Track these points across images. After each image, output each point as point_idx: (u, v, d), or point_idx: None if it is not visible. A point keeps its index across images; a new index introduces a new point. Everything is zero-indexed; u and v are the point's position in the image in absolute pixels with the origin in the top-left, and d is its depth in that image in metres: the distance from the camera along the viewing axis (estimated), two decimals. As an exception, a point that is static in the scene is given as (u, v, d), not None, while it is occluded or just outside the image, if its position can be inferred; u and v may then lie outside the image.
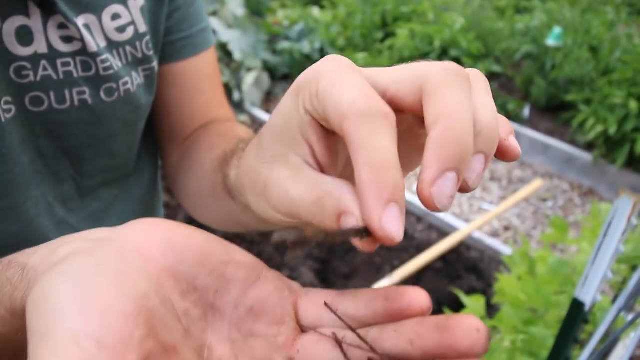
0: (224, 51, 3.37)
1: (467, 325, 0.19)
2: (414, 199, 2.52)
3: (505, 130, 0.25)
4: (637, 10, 4.40)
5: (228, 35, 3.35)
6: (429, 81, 0.22)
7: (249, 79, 3.35)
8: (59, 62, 0.41)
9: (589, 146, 2.86)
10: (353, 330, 0.22)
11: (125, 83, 0.45)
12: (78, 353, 0.17)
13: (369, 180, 0.20)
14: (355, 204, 0.20)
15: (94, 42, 0.42)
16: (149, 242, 0.23)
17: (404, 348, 0.20)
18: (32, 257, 0.24)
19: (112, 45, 0.44)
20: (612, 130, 2.54)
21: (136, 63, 0.46)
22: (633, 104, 2.51)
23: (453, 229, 2.25)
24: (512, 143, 0.24)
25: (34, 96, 0.41)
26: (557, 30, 3.28)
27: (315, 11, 4.30)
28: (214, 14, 3.48)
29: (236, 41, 3.37)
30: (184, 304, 0.22)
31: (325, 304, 0.23)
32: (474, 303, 0.96)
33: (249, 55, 3.38)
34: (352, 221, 0.20)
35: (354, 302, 0.23)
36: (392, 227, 0.20)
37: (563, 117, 3.06)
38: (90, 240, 0.23)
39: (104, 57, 0.43)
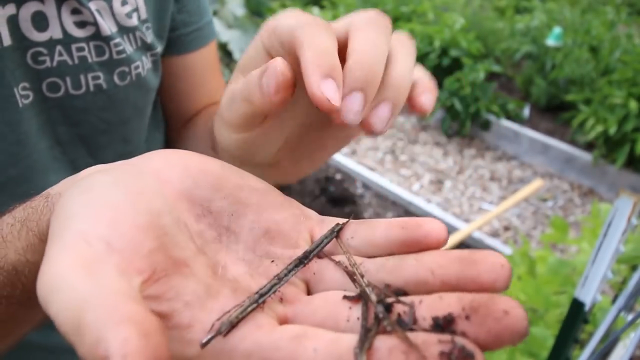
0: (224, 51, 3.38)
1: (492, 260, 0.18)
2: (415, 200, 2.52)
3: (423, 87, 0.29)
4: (637, 10, 4.40)
5: (228, 35, 3.35)
6: (353, 24, 0.27)
7: (249, 79, 3.35)
8: (73, 47, 0.41)
9: (589, 146, 2.86)
10: (350, 256, 0.22)
11: (137, 67, 0.46)
12: (87, 250, 0.17)
13: (311, 61, 0.24)
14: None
15: (107, 27, 0.43)
16: (166, 168, 0.23)
17: (424, 277, 0.19)
18: (55, 188, 0.25)
19: (122, 30, 0.45)
20: (612, 130, 2.54)
21: (145, 48, 0.47)
22: (633, 104, 2.51)
23: (453, 229, 2.25)
24: (424, 100, 0.29)
25: (51, 82, 0.41)
26: (557, 30, 3.28)
27: (315, 11, 4.30)
28: (214, 14, 3.48)
29: (236, 41, 3.37)
30: (199, 226, 0.23)
31: (336, 235, 0.24)
32: (474, 303, 0.96)
33: (249, 55, 3.38)
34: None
35: (370, 230, 0.23)
36: (330, 93, 0.24)
37: (563, 117, 3.06)
38: (108, 165, 0.24)
39: (116, 40, 0.44)
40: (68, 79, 0.42)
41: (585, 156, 2.76)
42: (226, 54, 3.39)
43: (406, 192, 2.61)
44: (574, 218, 2.52)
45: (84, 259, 0.17)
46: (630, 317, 0.57)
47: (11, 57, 0.38)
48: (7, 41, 0.38)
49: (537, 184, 2.65)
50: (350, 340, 0.17)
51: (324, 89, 0.24)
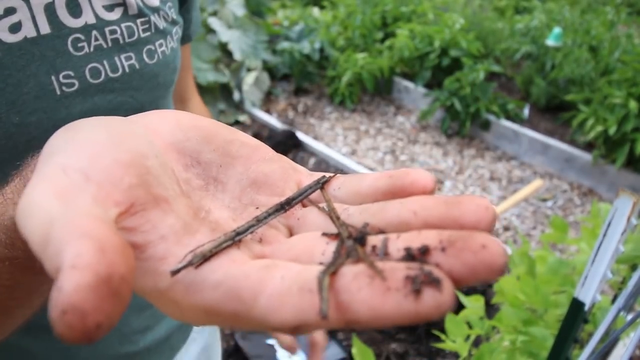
0: (224, 51, 3.37)
1: (477, 202, 0.18)
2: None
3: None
4: (636, 10, 4.40)
5: (228, 35, 3.35)
6: None
7: (249, 79, 3.35)
8: (107, 30, 0.42)
9: (588, 146, 2.86)
10: (330, 201, 0.22)
11: (161, 45, 0.47)
12: (64, 180, 0.18)
13: None
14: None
15: (135, 4, 0.43)
16: (158, 121, 0.24)
17: (406, 217, 0.19)
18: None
19: (148, 9, 0.45)
20: (612, 130, 2.54)
21: (168, 27, 0.48)
22: (633, 104, 2.51)
23: (453, 229, 2.25)
24: None
25: (92, 67, 0.42)
26: (556, 30, 3.28)
27: (315, 11, 4.30)
28: (214, 14, 3.48)
29: (236, 41, 3.37)
30: (186, 174, 0.23)
31: (321, 186, 0.24)
32: (474, 303, 0.96)
33: (249, 55, 3.38)
34: None
35: (357, 182, 0.23)
36: None
37: (563, 117, 3.06)
38: (109, 117, 0.24)
39: (144, 19, 0.44)
40: (106, 63, 0.42)
41: (585, 156, 2.76)
42: (226, 54, 3.39)
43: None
44: (573, 218, 2.52)
45: (59, 187, 0.17)
46: (629, 316, 0.57)
47: (50, 45, 0.39)
48: (44, 29, 0.38)
49: (536, 184, 2.65)
50: (319, 269, 0.17)
51: None
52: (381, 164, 2.96)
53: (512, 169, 2.93)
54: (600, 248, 0.52)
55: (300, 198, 0.23)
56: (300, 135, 3.05)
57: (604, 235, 0.52)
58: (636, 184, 2.57)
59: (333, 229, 0.21)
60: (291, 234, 0.23)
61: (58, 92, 0.40)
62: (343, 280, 0.16)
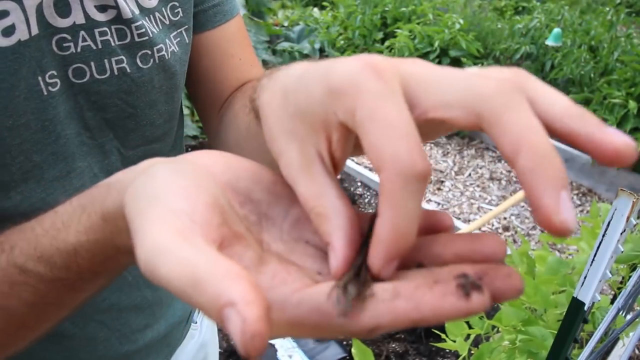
0: (224, 51, 3.38)
1: (493, 237, 0.23)
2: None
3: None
4: (636, 10, 4.41)
5: (228, 36, 3.35)
6: (489, 110, 0.21)
7: (248, 79, 3.35)
8: (96, 31, 0.41)
9: (588, 146, 2.86)
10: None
11: (160, 50, 0.46)
12: (176, 222, 0.20)
13: (386, 240, 0.21)
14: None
15: (129, 9, 0.43)
16: (211, 162, 0.26)
17: (439, 251, 0.23)
18: (112, 178, 0.28)
19: (144, 12, 0.45)
20: (612, 130, 2.54)
21: (167, 30, 0.47)
22: (632, 104, 2.51)
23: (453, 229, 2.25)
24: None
25: (77, 68, 0.41)
26: (556, 30, 3.28)
27: (315, 11, 4.30)
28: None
29: (236, 41, 3.37)
30: (242, 211, 0.26)
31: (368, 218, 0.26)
32: (474, 303, 0.96)
33: (249, 55, 3.38)
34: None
35: None
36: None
37: (562, 117, 3.06)
38: (161, 159, 0.27)
39: (138, 23, 0.43)
40: (92, 64, 0.42)
41: (585, 156, 2.76)
42: (226, 54, 3.40)
43: (406, 192, 2.61)
44: (573, 218, 2.52)
45: (177, 229, 0.20)
46: (629, 316, 0.57)
47: (37, 46, 0.38)
48: (34, 30, 0.38)
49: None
50: (384, 284, 0.21)
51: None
52: (381, 164, 2.96)
53: (511, 169, 2.93)
54: (599, 248, 0.53)
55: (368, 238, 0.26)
56: (300, 135, 3.05)
57: (604, 235, 0.52)
58: (635, 184, 2.57)
59: None
60: None
61: (45, 93, 0.39)
62: (407, 289, 0.20)
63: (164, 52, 0.46)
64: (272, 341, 1.63)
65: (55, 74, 0.40)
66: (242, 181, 0.26)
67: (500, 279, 0.20)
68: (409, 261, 0.23)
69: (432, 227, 0.25)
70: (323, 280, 0.23)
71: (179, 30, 0.49)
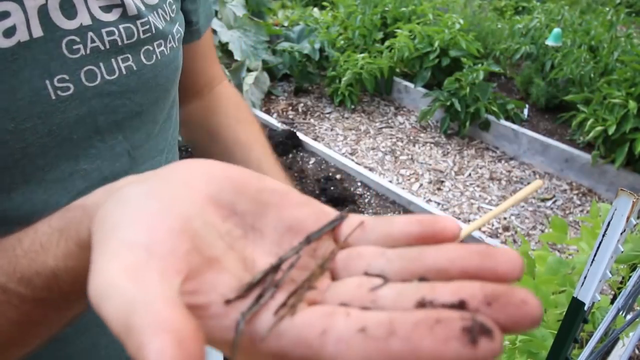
0: (224, 51, 3.38)
1: (509, 253, 0.20)
2: (415, 200, 2.52)
3: None
4: (636, 10, 4.41)
5: (228, 35, 3.35)
6: None
7: (249, 79, 3.35)
8: (104, 31, 0.41)
9: (588, 146, 2.86)
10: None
11: (160, 45, 0.46)
12: (130, 257, 0.19)
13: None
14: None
15: (134, 5, 0.43)
16: (192, 175, 0.25)
17: (444, 265, 0.21)
18: (90, 198, 0.27)
19: (148, 8, 0.45)
20: (611, 130, 2.55)
21: (168, 25, 0.48)
22: (632, 104, 2.51)
23: (452, 229, 2.25)
24: None
25: (88, 70, 0.41)
26: (556, 30, 3.28)
27: (315, 11, 4.30)
28: (214, 14, 3.48)
29: (236, 41, 3.37)
30: (226, 225, 0.24)
31: (337, 224, 0.25)
32: (474, 303, 0.96)
33: (249, 55, 3.39)
34: None
35: (389, 225, 0.24)
36: None
37: (562, 117, 3.06)
38: (140, 176, 0.26)
39: (143, 20, 0.44)
40: (102, 65, 0.41)
41: (585, 156, 2.76)
42: (226, 54, 3.39)
43: (406, 192, 2.61)
44: (573, 218, 2.52)
45: (128, 266, 0.19)
46: (629, 316, 0.57)
47: (43, 49, 0.38)
48: (37, 32, 0.37)
49: (536, 184, 2.66)
50: (378, 314, 0.19)
51: None
52: (381, 163, 2.96)
53: (511, 169, 2.93)
54: (599, 248, 0.53)
55: (321, 233, 0.24)
56: (300, 135, 3.05)
57: (604, 235, 0.52)
58: (635, 184, 2.57)
59: (374, 269, 0.22)
60: (333, 276, 0.24)
61: (53, 97, 0.39)
62: (404, 329, 0.18)
63: (163, 48, 0.47)
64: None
65: (67, 77, 0.39)
66: (225, 193, 0.24)
67: (514, 307, 0.18)
68: (410, 273, 0.21)
69: (436, 236, 0.22)
70: (316, 296, 0.22)
71: (176, 27, 0.49)
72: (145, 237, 0.20)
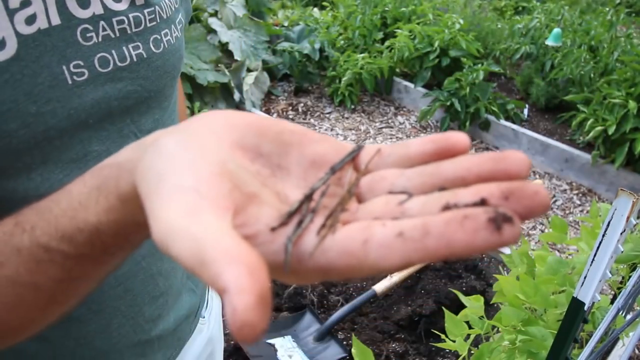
0: (224, 51, 3.38)
1: (516, 155, 0.22)
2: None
3: None
4: (636, 10, 4.41)
5: (228, 36, 3.35)
6: None
7: (249, 79, 3.35)
8: (114, 20, 0.43)
9: (588, 146, 2.86)
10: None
11: (166, 34, 0.48)
12: (184, 199, 0.21)
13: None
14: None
15: None
16: (214, 125, 0.27)
17: (461, 174, 0.23)
18: (120, 155, 0.29)
19: None
20: (611, 130, 2.55)
21: (172, 15, 0.49)
22: (632, 104, 2.51)
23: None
24: None
25: (101, 57, 0.43)
26: (556, 30, 3.28)
27: (315, 11, 4.30)
28: (214, 14, 3.48)
29: (236, 41, 3.37)
30: (254, 166, 0.26)
31: (357, 153, 0.27)
32: (474, 303, 0.96)
33: (249, 55, 3.39)
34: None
35: (405, 148, 0.26)
36: None
37: (562, 117, 3.06)
38: (165, 130, 0.27)
39: (150, 9, 0.46)
40: (114, 52, 0.44)
41: (584, 156, 2.76)
42: (226, 54, 3.40)
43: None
44: (573, 218, 2.52)
45: (186, 208, 0.20)
46: (629, 316, 0.57)
47: (60, 36, 0.40)
48: (55, 20, 0.40)
49: (536, 184, 2.66)
50: (408, 220, 0.21)
51: None
52: (381, 164, 2.96)
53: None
54: (599, 248, 0.53)
55: (343, 163, 0.27)
56: (300, 135, 3.05)
57: (604, 235, 0.52)
58: (635, 184, 2.57)
59: (397, 187, 0.25)
60: (359, 200, 0.26)
61: (70, 82, 0.41)
62: (437, 228, 0.20)
63: (169, 37, 0.49)
64: (271, 341, 1.63)
65: (82, 64, 0.42)
66: (249, 137, 0.26)
67: (528, 198, 0.20)
68: (430, 186, 0.23)
69: (449, 150, 0.25)
70: (348, 217, 0.24)
71: (179, 17, 0.51)
72: (193, 181, 0.22)
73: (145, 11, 0.45)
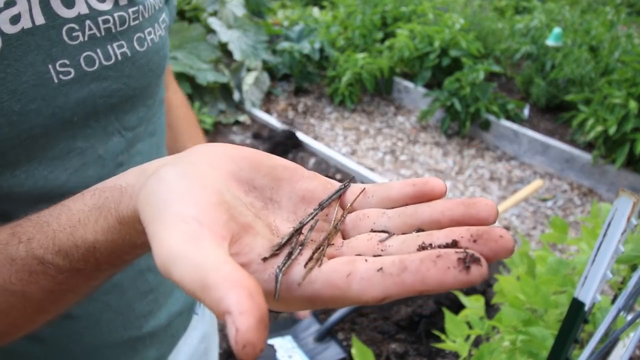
0: (224, 51, 3.37)
1: (485, 202, 0.26)
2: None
3: None
4: (636, 10, 4.41)
5: (228, 35, 3.35)
6: None
7: (249, 79, 3.35)
8: (100, 20, 0.43)
9: (588, 146, 2.86)
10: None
11: (150, 33, 0.49)
12: (186, 227, 0.22)
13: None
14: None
15: None
16: (212, 156, 0.28)
17: (436, 217, 0.26)
18: (122, 179, 0.30)
19: None
20: (612, 130, 2.54)
21: (155, 14, 0.50)
22: (632, 104, 2.51)
23: (453, 229, 2.25)
24: None
25: (87, 56, 0.43)
26: (556, 30, 3.28)
27: (315, 11, 4.30)
28: (214, 14, 3.48)
29: (236, 41, 3.37)
30: (248, 198, 0.28)
31: (343, 191, 0.31)
32: (474, 303, 0.96)
33: (249, 55, 3.38)
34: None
35: (387, 190, 0.29)
36: None
37: (563, 117, 3.06)
38: (165, 159, 0.30)
39: (134, 8, 0.46)
40: (99, 51, 0.44)
41: (585, 156, 2.76)
42: (226, 54, 3.39)
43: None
44: (573, 218, 2.52)
45: (186, 235, 0.22)
46: (629, 317, 0.57)
47: (45, 35, 0.40)
48: (39, 20, 0.40)
49: (536, 184, 2.65)
50: (390, 258, 0.24)
51: None
52: (381, 163, 2.96)
53: (512, 169, 2.93)
54: (600, 248, 0.52)
55: (331, 200, 0.30)
56: (300, 135, 3.05)
57: (604, 235, 0.52)
58: (636, 184, 2.57)
59: (379, 226, 0.28)
60: (344, 236, 0.29)
61: (55, 81, 0.41)
62: (413, 265, 0.22)
63: (153, 36, 0.49)
64: (271, 341, 1.63)
65: (68, 63, 0.42)
66: (244, 171, 0.28)
67: (494, 241, 0.23)
68: (409, 227, 0.26)
69: (427, 194, 0.28)
70: (333, 251, 0.27)
71: (163, 16, 0.52)
72: (194, 210, 0.23)
73: (130, 10, 0.45)
